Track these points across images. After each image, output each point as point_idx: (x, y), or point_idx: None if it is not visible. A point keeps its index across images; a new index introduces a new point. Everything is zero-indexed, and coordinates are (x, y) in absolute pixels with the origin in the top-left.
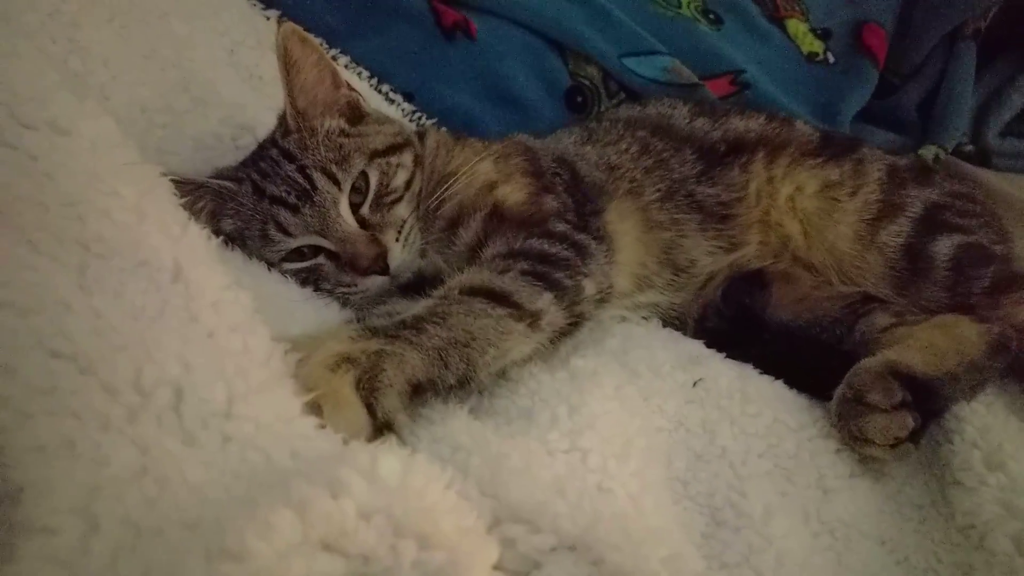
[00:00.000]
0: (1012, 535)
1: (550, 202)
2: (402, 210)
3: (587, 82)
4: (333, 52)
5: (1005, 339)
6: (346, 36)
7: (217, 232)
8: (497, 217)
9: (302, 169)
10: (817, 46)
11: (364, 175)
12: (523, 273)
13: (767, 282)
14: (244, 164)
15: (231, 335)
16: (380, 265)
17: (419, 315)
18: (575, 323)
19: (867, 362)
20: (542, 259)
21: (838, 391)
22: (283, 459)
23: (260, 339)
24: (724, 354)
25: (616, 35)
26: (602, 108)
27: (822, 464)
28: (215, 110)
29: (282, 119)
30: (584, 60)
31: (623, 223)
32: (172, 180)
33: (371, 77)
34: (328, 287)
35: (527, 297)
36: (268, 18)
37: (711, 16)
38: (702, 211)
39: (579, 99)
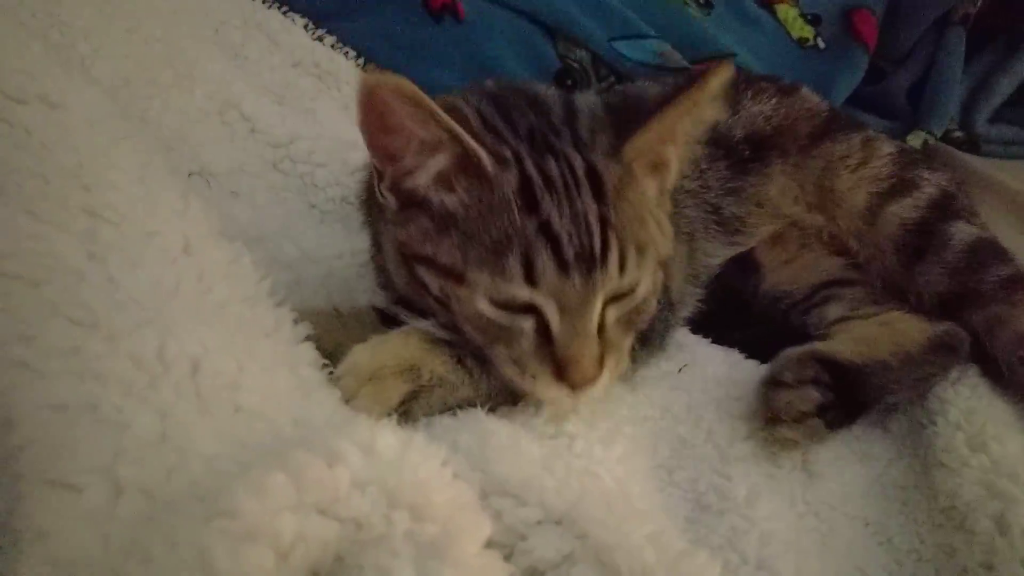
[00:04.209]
0: (993, 516)
1: None
2: (630, 337)
3: (576, 65)
4: (319, 32)
5: (951, 339)
6: (332, 16)
7: (418, 200)
8: None
9: (605, 224)
10: (807, 31)
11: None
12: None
13: (759, 264)
14: (512, 126)
15: (242, 306)
16: (574, 388)
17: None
18: None
19: (791, 350)
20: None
21: (760, 380)
22: (286, 426)
23: (265, 309)
24: (710, 339)
25: (606, 18)
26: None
27: (807, 447)
28: (201, 85)
29: (602, 123)
30: (573, 43)
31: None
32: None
33: (357, 57)
34: (476, 341)
35: None
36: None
37: (701, 1)
38: (723, 227)
39: (568, 82)
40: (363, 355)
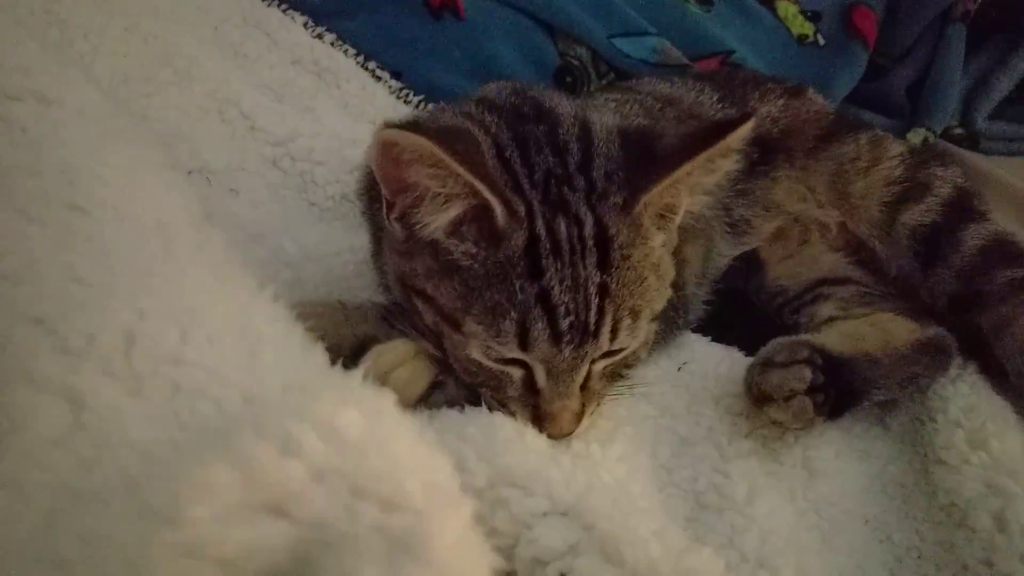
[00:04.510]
0: (993, 512)
1: None
2: (615, 384)
3: (576, 62)
4: (319, 30)
5: (940, 342)
6: (332, 14)
7: (426, 239)
8: None
9: (604, 295)
10: (807, 28)
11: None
12: None
13: (763, 262)
14: (528, 167)
15: (204, 272)
16: (550, 437)
17: None
18: None
19: (783, 338)
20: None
21: (750, 364)
22: (235, 406)
23: (232, 279)
24: (709, 338)
25: (606, 16)
26: (592, 88)
27: (808, 444)
28: (200, 83)
29: (618, 163)
30: (573, 40)
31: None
32: (435, 141)
33: (357, 55)
34: (468, 377)
35: None
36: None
37: None
38: (733, 228)
39: (568, 79)
40: (401, 344)
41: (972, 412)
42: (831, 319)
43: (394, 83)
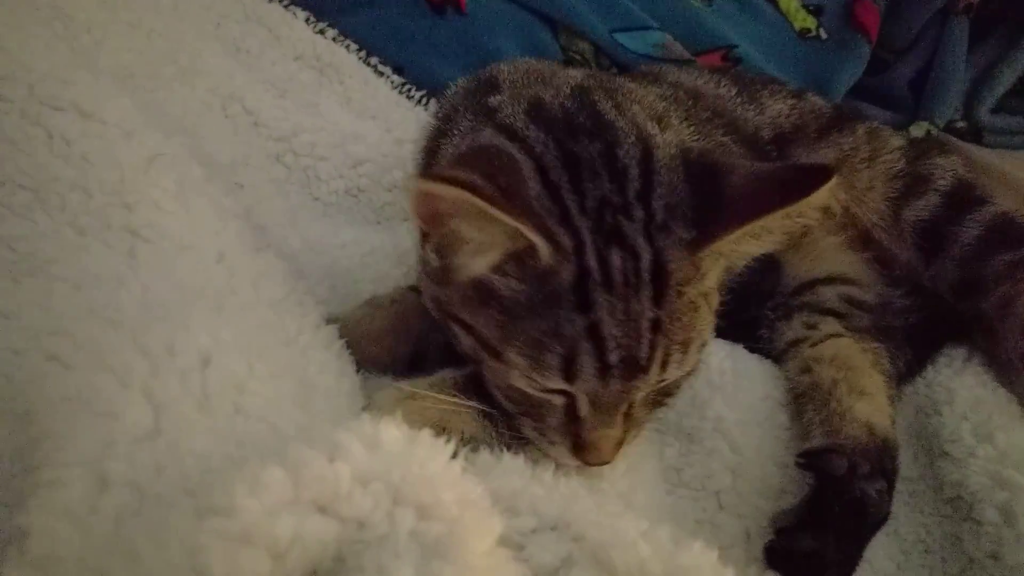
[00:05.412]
0: (999, 505)
1: None
2: (658, 411)
3: (578, 57)
4: (321, 25)
5: (888, 371)
6: (333, 10)
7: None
8: None
9: (656, 330)
10: (810, 22)
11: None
12: None
13: (778, 263)
14: (580, 194)
15: (267, 310)
16: (589, 464)
17: None
18: None
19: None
20: None
21: None
22: (288, 430)
23: (291, 317)
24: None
25: (607, 10)
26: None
27: None
28: (202, 79)
29: (682, 197)
30: (575, 35)
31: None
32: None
33: (359, 50)
34: (508, 404)
35: None
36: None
37: None
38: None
39: None
40: (394, 391)
41: (978, 405)
42: (796, 343)
43: (396, 78)
